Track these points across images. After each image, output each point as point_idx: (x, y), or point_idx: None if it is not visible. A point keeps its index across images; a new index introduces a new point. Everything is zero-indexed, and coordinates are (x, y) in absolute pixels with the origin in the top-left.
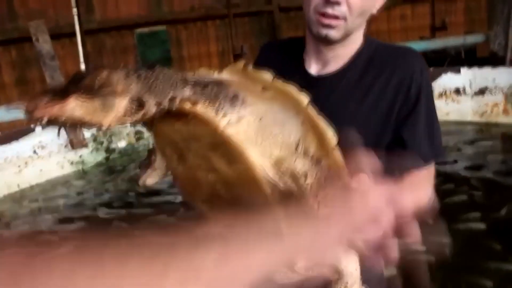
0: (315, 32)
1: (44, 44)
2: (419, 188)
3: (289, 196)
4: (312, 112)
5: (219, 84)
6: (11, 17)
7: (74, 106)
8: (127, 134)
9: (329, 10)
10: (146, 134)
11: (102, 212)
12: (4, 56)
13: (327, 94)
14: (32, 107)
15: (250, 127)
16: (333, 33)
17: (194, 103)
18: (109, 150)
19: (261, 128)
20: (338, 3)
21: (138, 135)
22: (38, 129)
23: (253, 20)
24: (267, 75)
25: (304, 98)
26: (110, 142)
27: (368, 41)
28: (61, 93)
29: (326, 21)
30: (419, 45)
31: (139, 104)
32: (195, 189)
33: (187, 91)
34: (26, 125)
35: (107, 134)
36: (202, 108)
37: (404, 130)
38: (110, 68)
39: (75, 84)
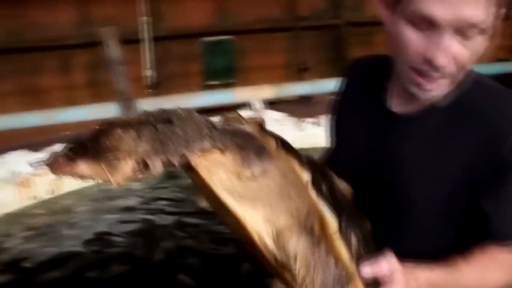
0: (409, 90)
1: (113, 49)
2: (489, 270)
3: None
4: (312, 192)
5: (246, 134)
6: (87, 22)
7: (83, 168)
8: None
9: (432, 74)
10: None
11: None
12: (78, 59)
13: (403, 137)
14: (50, 164)
15: (274, 181)
16: (435, 96)
17: (222, 151)
18: None
19: (282, 185)
20: (443, 67)
21: None
22: None
23: (321, 33)
24: (272, 142)
25: (305, 176)
26: None
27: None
28: (77, 150)
29: (427, 85)
30: (495, 68)
31: (145, 165)
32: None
33: (208, 142)
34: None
35: None
36: (229, 156)
37: (486, 200)
38: (124, 125)
39: (92, 140)
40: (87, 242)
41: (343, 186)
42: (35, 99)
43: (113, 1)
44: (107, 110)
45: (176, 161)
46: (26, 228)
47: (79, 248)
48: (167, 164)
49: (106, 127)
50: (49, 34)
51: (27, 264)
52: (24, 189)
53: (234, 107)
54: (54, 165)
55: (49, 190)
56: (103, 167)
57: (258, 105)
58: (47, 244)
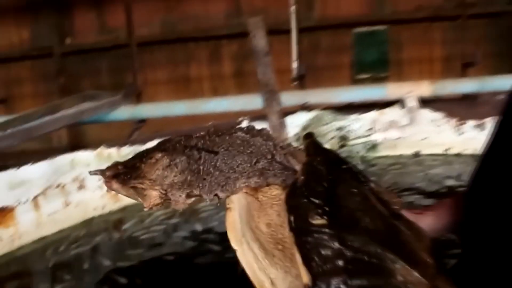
0: None
1: (260, 40)
2: None
3: None
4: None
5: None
6: (237, 13)
7: (117, 188)
8: (332, 138)
9: None
10: (353, 141)
11: None
12: (227, 49)
13: None
14: (102, 177)
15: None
16: None
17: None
18: None
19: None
20: None
21: (343, 142)
22: None
23: (490, 22)
24: None
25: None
26: None
27: None
28: (115, 170)
29: None
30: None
31: (167, 197)
32: None
33: (240, 182)
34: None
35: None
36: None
37: None
38: (166, 149)
39: (131, 161)
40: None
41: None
42: (185, 88)
43: None
44: (252, 101)
45: (208, 198)
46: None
47: None
48: (199, 198)
49: (152, 149)
50: (200, 25)
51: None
52: None
53: (385, 104)
54: (104, 178)
55: None
56: (132, 192)
57: (412, 103)
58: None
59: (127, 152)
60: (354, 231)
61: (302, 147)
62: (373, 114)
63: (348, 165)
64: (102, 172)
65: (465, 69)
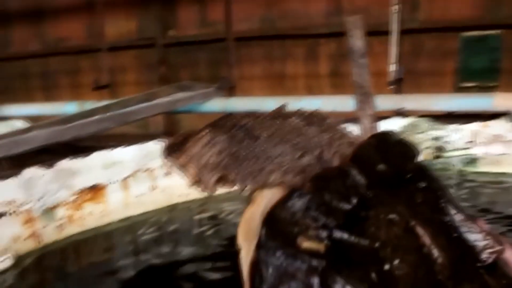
0: None
1: (357, 40)
2: None
3: None
4: None
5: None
6: (337, 12)
7: (167, 160)
8: (427, 148)
9: None
10: (450, 153)
11: None
12: (324, 48)
13: None
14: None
15: None
16: None
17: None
18: None
19: None
20: None
21: (439, 153)
22: None
23: None
24: None
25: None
26: None
27: None
28: (170, 143)
29: None
30: None
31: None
32: None
33: (274, 177)
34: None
35: None
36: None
37: None
38: (216, 125)
39: (183, 136)
40: None
41: None
42: (280, 84)
43: None
44: (345, 103)
45: (238, 187)
46: None
47: None
48: (230, 184)
49: (205, 126)
50: (299, 22)
51: None
52: None
53: (490, 116)
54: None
55: None
56: (178, 166)
57: None
58: None
59: None
60: (356, 274)
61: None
62: (475, 126)
63: (427, 182)
64: (166, 141)
65: None
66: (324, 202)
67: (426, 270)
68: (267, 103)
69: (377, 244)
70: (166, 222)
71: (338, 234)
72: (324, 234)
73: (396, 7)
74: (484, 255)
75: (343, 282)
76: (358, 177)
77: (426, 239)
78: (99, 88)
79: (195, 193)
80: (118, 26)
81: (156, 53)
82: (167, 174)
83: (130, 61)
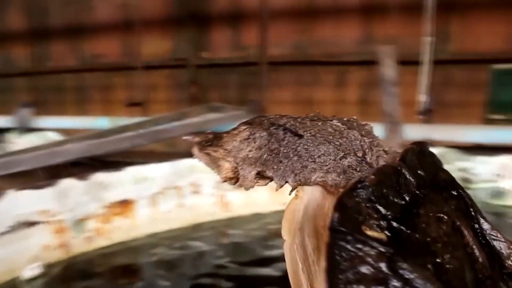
0: None
1: (389, 69)
2: None
3: None
4: None
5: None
6: (369, 40)
7: (196, 154)
8: None
9: None
10: (477, 185)
11: None
12: (353, 76)
13: None
14: (189, 143)
15: None
16: None
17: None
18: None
19: None
20: None
21: (465, 185)
22: None
23: None
24: None
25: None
26: None
27: None
28: (200, 137)
29: None
30: None
31: (237, 170)
32: None
33: (316, 176)
34: None
35: None
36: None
37: None
38: (254, 123)
39: (226, 131)
40: None
41: None
42: (308, 110)
43: (398, 20)
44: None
45: (278, 183)
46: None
47: None
48: (269, 178)
49: (241, 123)
50: (330, 49)
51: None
52: (276, 194)
53: None
54: (190, 144)
55: None
56: (208, 160)
57: None
58: None
59: None
60: (417, 262)
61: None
62: (503, 158)
63: (458, 191)
64: (192, 137)
65: None
66: (383, 195)
67: (470, 267)
68: None
69: (428, 239)
70: (191, 239)
71: (395, 225)
72: (384, 224)
73: (429, 38)
74: (509, 262)
75: (409, 268)
76: (410, 177)
77: (470, 239)
78: (132, 105)
79: (220, 213)
80: (153, 46)
81: (188, 74)
82: (195, 192)
83: (163, 80)
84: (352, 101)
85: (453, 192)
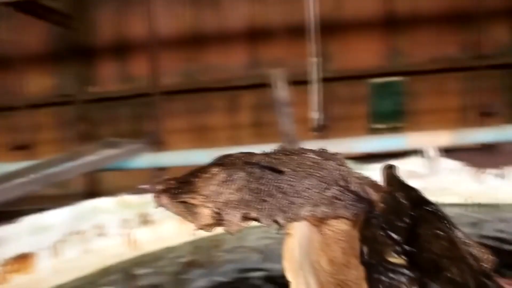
0: None
1: (281, 91)
2: None
3: None
4: None
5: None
6: (256, 64)
7: (166, 203)
8: None
9: None
10: None
11: None
12: (244, 100)
13: None
14: (153, 192)
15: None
16: None
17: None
18: None
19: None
20: None
21: None
22: None
23: (504, 73)
24: None
25: None
26: None
27: None
28: (166, 184)
29: None
30: None
31: (220, 216)
32: None
33: (305, 210)
34: None
35: None
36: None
37: None
38: (226, 163)
39: (184, 177)
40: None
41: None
42: (203, 136)
43: (282, 43)
44: None
45: (266, 223)
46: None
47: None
48: (255, 220)
49: (208, 164)
50: (220, 75)
51: None
52: (184, 226)
53: (403, 154)
54: (154, 193)
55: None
56: (182, 208)
57: (432, 152)
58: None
59: (147, 199)
60: (437, 279)
61: (379, 180)
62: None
63: (432, 207)
64: (152, 186)
65: (481, 119)
66: (389, 222)
67: (470, 275)
68: (196, 156)
69: (435, 257)
70: (99, 285)
71: (408, 249)
72: (399, 249)
73: (315, 59)
74: (484, 264)
75: (428, 285)
76: (403, 200)
77: (463, 249)
78: (17, 148)
79: (129, 252)
80: (36, 83)
81: (75, 110)
82: (100, 235)
83: (48, 119)
84: (246, 124)
85: (428, 208)
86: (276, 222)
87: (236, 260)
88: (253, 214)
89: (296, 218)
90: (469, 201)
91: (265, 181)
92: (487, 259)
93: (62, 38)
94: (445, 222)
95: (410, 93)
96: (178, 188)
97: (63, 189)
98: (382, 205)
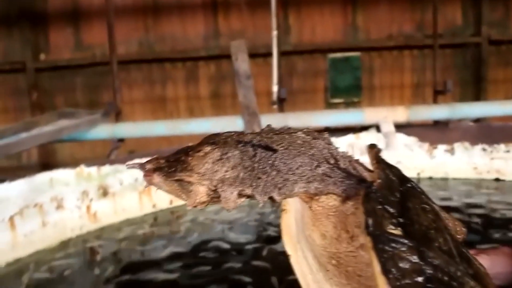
0: None
1: (242, 63)
2: None
3: None
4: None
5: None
6: (215, 35)
7: (159, 182)
8: None
9: None
10: None
11: None
12: (203, 71)
13: None
14: (141, 170)
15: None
16: None
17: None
18: None
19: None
20: None
21: None
22: None
23: (456, 52)
24: None
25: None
26: None
27: None
28: (157, 163)
29: None
30: None
31: (216, 193)
32: None
33: (299, 187)
34: None
35: None
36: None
37: None
38: (216, 143)
39: (176, 154)
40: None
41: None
42: (161, 107)
43: (242, 15)
44: (233, 123)
45: (261, 200)
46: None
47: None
48: (250, 197)
49: (198, 143)
50: (178, 46)
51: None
52: (145, 197)
53: (360, 128)
54: (143, 172)
55: (168, 200)
56: (176, 186)
57: (388, 127)
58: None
59: (107, 171)
60: (430, 248)
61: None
62: (350, 138)
63: (412, 183)
64: (141, 166)
65: (435, 96)
66: (384, 196)
67: (455, 248)
68: (155, 128)
69: (423, 228)
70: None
71: (402, 221)
72: (395, 221)
73: (276, 32)
74: (457, 235)
75: (433, 255)
76: (393, 177)
77: (445, 221)
78: None
79: (89, 225)
80: None
81: (26, 78)
82: (58, 207)
83: None
84: (205, 96)
85: (408, 185)
86: (271, 198)
87: (198, 231)
88: (249, 191)
89: (290, 195)
90: (421, 175)
91: (259, 159)
92: (460, 231)
93: (11, 1)
94: (425, 196)
95: (367, 69)
96: (171, 166)
97: (15, 160)
98: (379, 181)
